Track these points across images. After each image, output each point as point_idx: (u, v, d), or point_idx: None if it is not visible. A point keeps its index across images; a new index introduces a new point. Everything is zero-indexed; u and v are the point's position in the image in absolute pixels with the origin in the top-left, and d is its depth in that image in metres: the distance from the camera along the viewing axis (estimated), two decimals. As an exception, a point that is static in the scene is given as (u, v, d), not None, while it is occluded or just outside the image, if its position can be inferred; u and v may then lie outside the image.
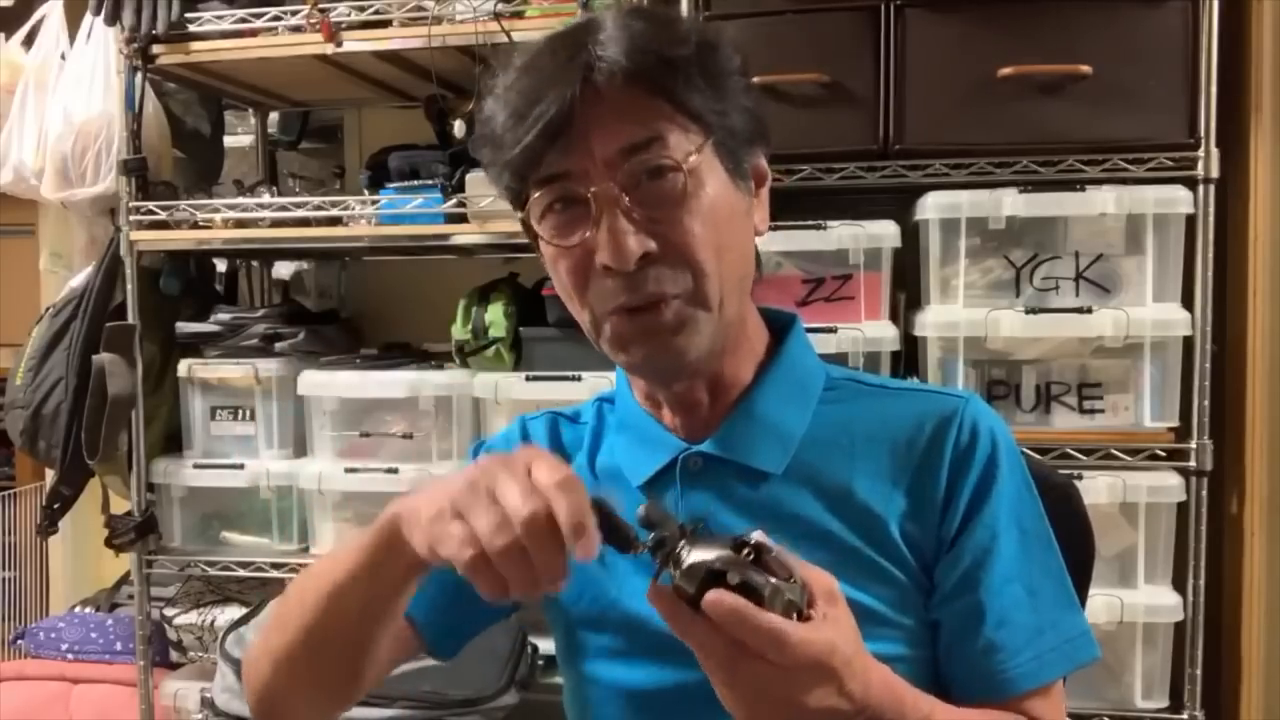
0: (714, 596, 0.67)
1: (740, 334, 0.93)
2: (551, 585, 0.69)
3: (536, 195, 0.87)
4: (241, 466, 2.18)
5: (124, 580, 2.45)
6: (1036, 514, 0.92)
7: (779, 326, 0.99)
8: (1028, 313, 1.79)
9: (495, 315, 2.05)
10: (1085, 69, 1.76)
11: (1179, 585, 1.79)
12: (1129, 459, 1.79)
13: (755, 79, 0.94)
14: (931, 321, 1.82)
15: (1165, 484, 1.77)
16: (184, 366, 2.22)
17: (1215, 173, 1.77)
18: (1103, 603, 1.73)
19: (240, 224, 2.16)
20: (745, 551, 0.69)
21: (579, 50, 0.84)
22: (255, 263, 2.66)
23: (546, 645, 1.97)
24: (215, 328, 2.25)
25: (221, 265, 2.55)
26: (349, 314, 2.61)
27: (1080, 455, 1.79)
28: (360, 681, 0.91)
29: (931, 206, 1.83)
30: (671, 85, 0.84)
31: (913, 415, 0.92)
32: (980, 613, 0.87)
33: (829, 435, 0.93)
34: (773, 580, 0.68)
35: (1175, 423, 1.79)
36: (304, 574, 0.92)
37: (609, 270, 0.85)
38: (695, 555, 0.69)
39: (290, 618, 0.89)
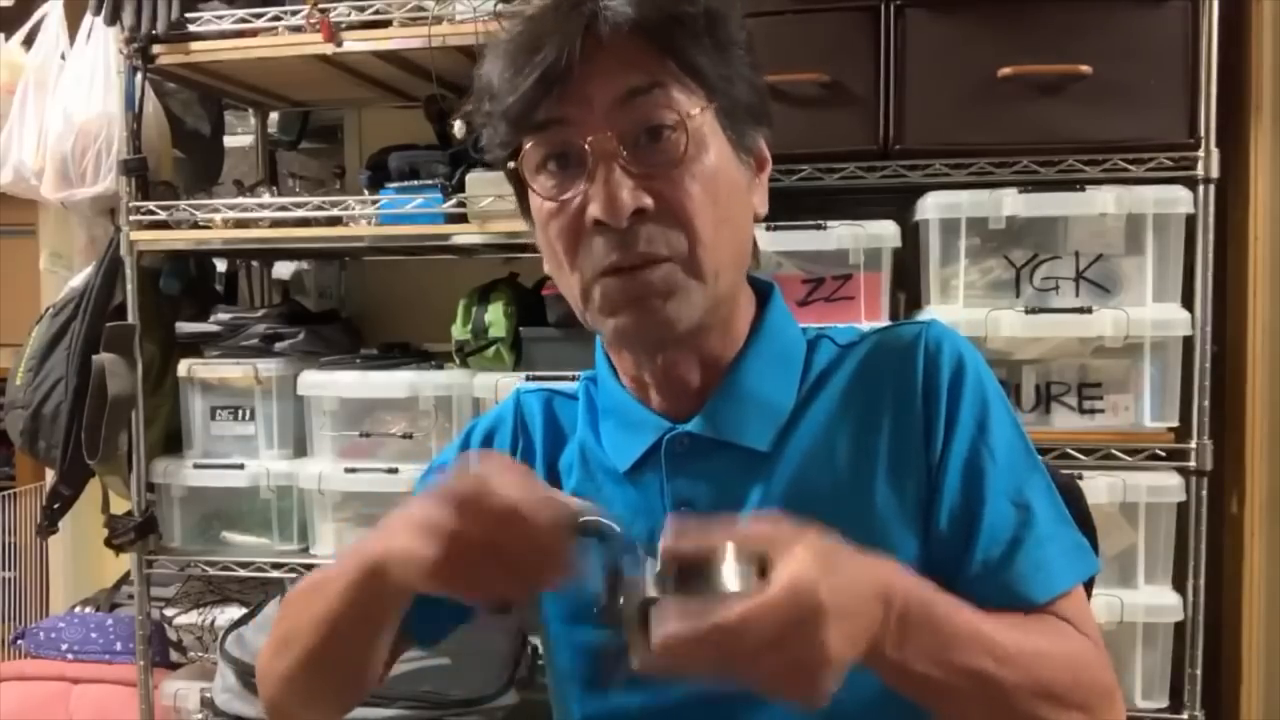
0: (656, 644, 0.63)
1: (732, 313, 0.91)
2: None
3: (530, 146, 0.85)
4: (241, 466, 2.18)
5: (124, 580, 2.45)
6: (1016, 431, 0.89)
7: (759, 296, 0.96)
8: (1028, 313, 1.78)
9: (495, 315, 2.05)
10: (1085, 69, 1.76)
11: (1179, 585, 1.79)
12: (1129, 459, 1.79)
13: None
14: (931, 321, 1.82)
15: (1165, 484, 1.77)
16: (184, 366, 2.21)
17: (1215, 173, 1.77)
18: (1103, 603, 1.73)
19: (240, 224, 2.16)
20: (665, 566, 0.66)
21: (583, 1, 0.81)
22: (255, 263, 2.66)
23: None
24: (215, 328, 2.24)
25: (221, 265, 2.55)
26: (349, 314, 2.60)
27: (1080, 455, 1.79)
28: (365, 685, 0.92)
29: (931, 206, 1.83)
30: (678, 42, 0.82)
31: (879, 357, 0.91)
32: (975, 533, 0.84)
33: (812, 404, 0.91)
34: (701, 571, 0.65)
35: (1175, 423, 1.79)
36: (302, 591, 0.91)
37: (600, 226, 0.82)
38: (626, 600, 0.67)
39: (289, 641, 0.89)
